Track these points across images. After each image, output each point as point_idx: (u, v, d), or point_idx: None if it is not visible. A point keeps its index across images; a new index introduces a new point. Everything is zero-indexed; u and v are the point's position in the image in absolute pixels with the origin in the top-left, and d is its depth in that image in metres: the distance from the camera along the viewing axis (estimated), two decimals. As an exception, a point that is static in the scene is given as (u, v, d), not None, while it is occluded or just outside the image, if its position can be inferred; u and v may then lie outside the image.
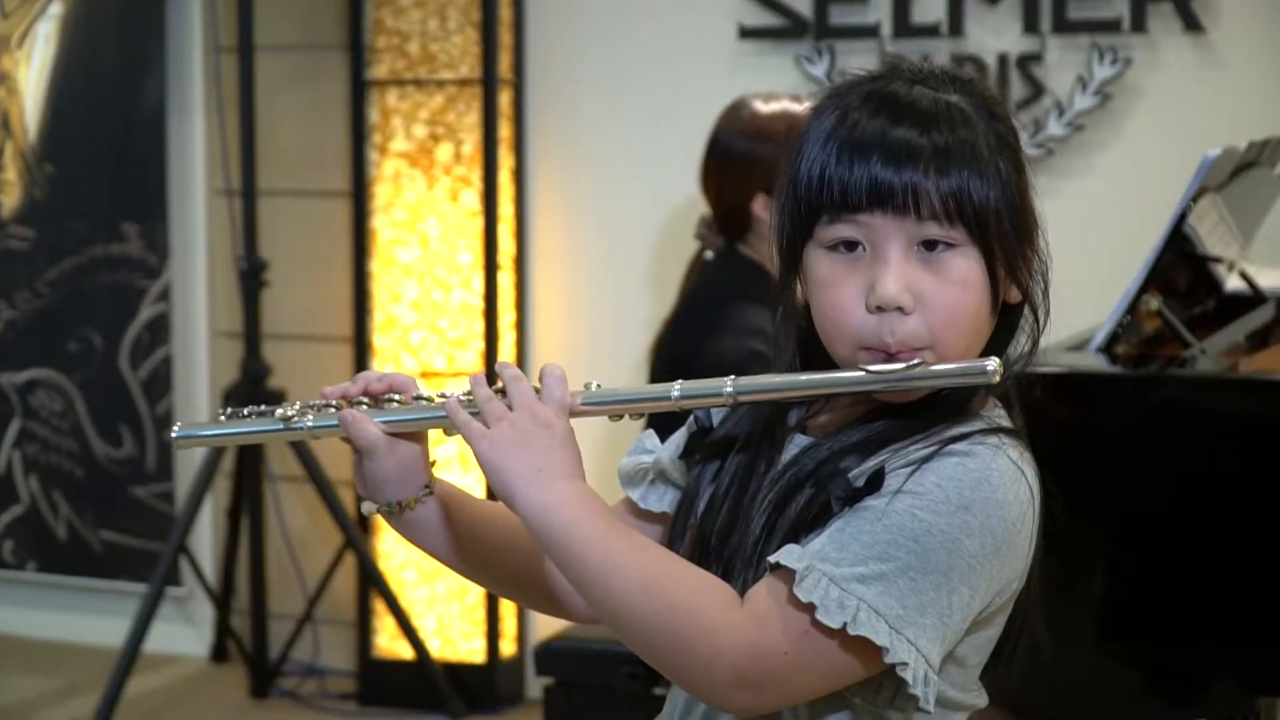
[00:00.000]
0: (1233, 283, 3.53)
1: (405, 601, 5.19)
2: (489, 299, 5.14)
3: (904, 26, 4.82)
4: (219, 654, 5.66)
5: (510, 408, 1.74)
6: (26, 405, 5.90)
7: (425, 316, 5.22)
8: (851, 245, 1.74)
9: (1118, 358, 3.09)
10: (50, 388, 5.86)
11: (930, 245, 1.72)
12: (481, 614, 5.21)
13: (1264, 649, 2.78)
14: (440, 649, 5.25)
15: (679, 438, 1.96)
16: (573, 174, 5.26)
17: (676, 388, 1.77)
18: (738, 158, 3.71)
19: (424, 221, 5.21)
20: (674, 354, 3.70)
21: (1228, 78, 4.60)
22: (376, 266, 5.24)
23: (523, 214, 5.26)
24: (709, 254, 3.85)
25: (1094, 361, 3.06)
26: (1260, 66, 4.59)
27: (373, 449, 1.84)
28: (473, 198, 5.17)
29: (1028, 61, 4.72)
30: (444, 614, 5.25)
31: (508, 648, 5.29)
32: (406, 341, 5.23)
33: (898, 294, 1.70)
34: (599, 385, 1.82)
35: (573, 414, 1.77)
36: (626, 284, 5.18)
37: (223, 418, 1.92)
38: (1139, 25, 4.61)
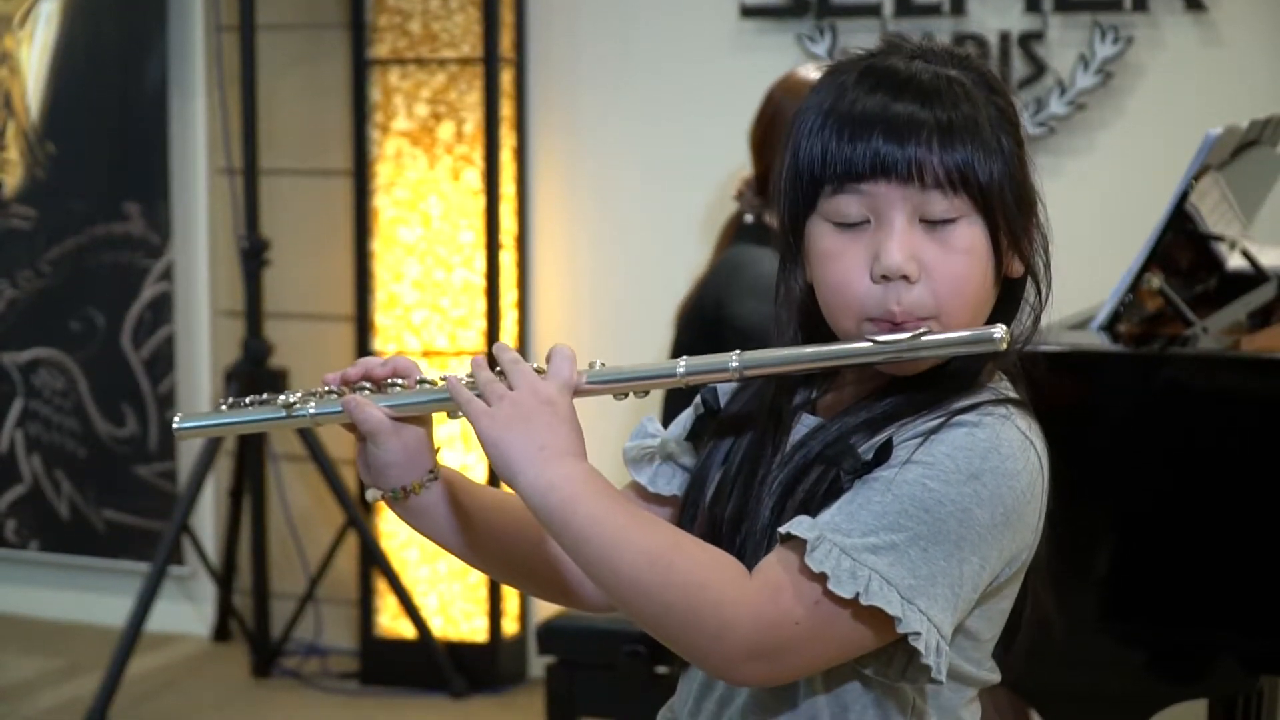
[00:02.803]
0: (1234, 261, 3.53)
1: (407, 580, 5.20)
2: (491, 278, 5.14)
3: (906, 5, 4.82)
4: (221, 633, 5.67)
5: (511, 387, 1.73)
6: (29, 384, 5.90)
7: (427, 295, 5.22)
8: (855, 218, 1.73)
9: (1119, 336, 3.09)
10: (53, 367, 5.86)
11: (934, 217, 1.72)
12: (484, 593, 5.22)
13: (1267, 628, 2.79)
14: (442, 628, 5.26)
15: (685, 419, 1.95)
16: (574, 152, 5.26)
17: (682, 364, 1.76)
18: (781, 117, 3.80)
19: (426, 200, 5.21)
20: (701, 317, 3.76)
21: (1229, 56, 4.59)
22: (378, 245, 5.24)
23: (524, 193, 5.26)
24: (748, 218, 3.88)
25: (1096, 340, 3.06)
26: (1262, 45, 4.59)
27: (377, 433, 1.82)
28: (474, 176, 5.17)
29: (1029, 40, 4.72)
30: (446, 593, 5.26)
31: (510, 627, 5.30)
32: (408, 320, 5.23)
33: (903, 262, 1.70)
34: (603, 364, 1.80)
35: (578, 393, 1.76)
36: (628, 262, 5.18)
37: (224, 406, 1.90)
38: (1140, 4, 4.61)
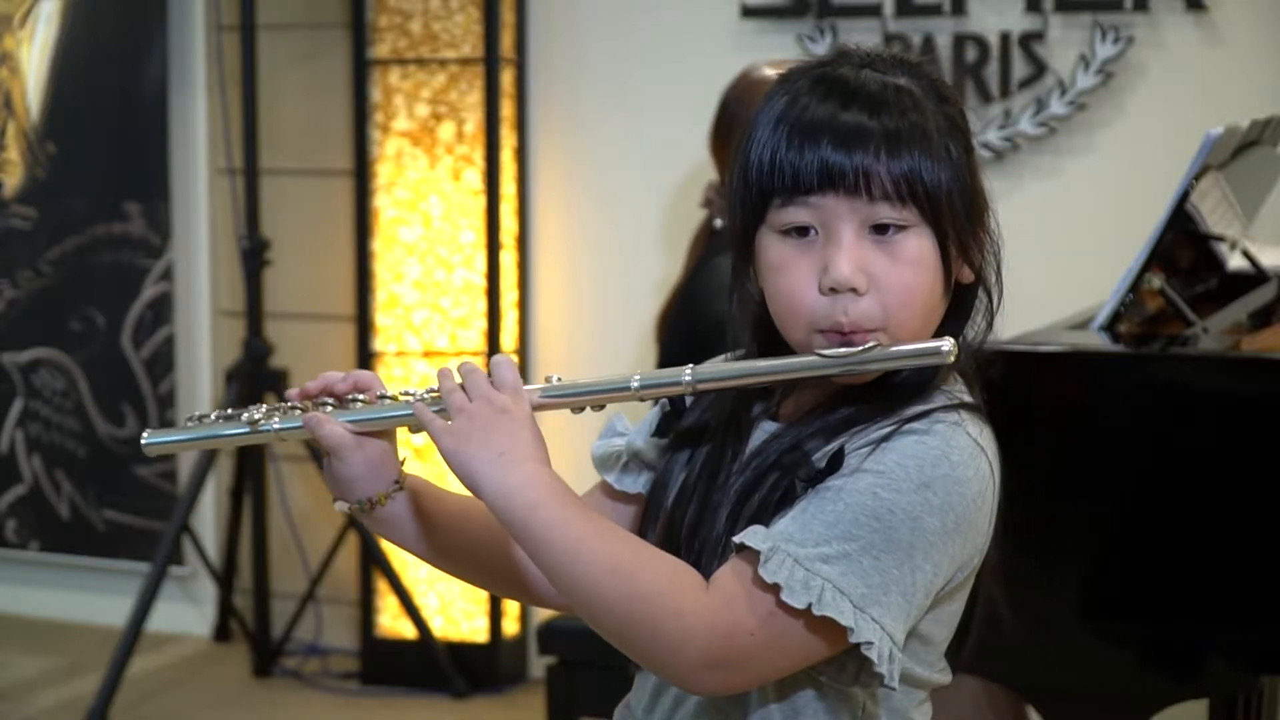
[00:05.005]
0: (1235, 261, 3.53)
1: (408, 580, 5.20)
2: (491, 278, 5.14)
3: (906, 5, 4.82)
4: (222, 633, 5.67)
5: (469, 398, 1.76)
6: (29, 384, 5.90)
7: (428, 295, 5.22)
8: (804, 230, 1.74)
9: (1120, 336, 3.09)
10: (53, 367, 5.86)
11: (882, 228, 1.73)
12: (484, 593, 5.22)
13: (1268, 627, 2.79)
14: (443, 628, 5.26)
15: (651, 416, 1.97)
16: (575, 152, 5.26)
17: (636, 378, 1.79)
18: (741, 121, 3.71)
19: (426, 200, 5.21)
20: (683, 325, 3.72)
21: (1230, 56, 4.59)
22: (379, 245, 5.25)
23: (525, 193, 5.26)
24: (717, 222, 3.85)
25: (1096, 340, 3.06)
26: (1262, 45, 4.59)
27: (339, 448, 1.85)
28: (475, 177, 5.17)
29: (1030, 40, 4.72)
30: (446, 593, 5.26)
31: (510, 627, 5.30)
32: (409, 320, 5.23)
33: (851, 275, 1.71)
34: (559, 379, 1.83)
35: (534, 408, 1.79)
36: (629, 262, 5.18)
37: (190, 423, 1.93)
38: (1141, 4, 4.61)
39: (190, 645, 5.68)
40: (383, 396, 1.86)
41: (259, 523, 5.38)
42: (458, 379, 1.79)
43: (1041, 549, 2.79)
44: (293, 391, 1.90)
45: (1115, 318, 3.11)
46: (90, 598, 5.86)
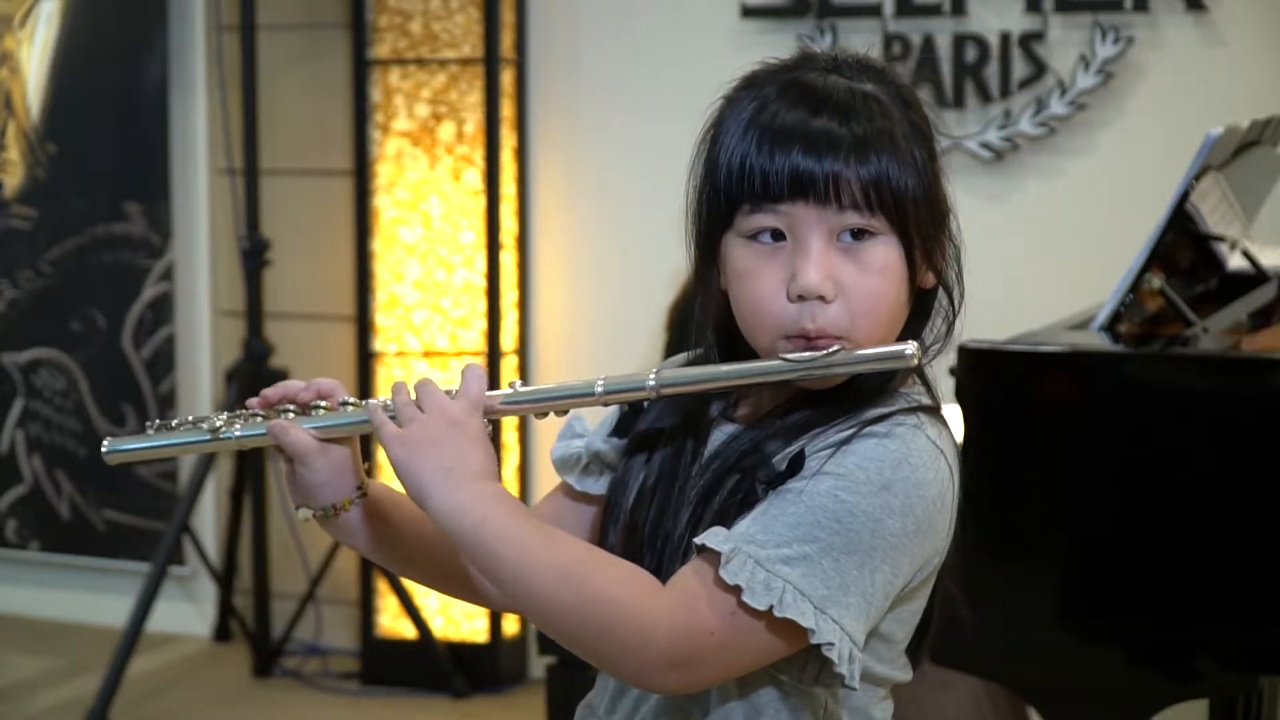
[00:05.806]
0: (1235, 261, 3.53)
1: (408, 581, 5.19)
2: (491, 278, 5.14)
3: (906, 5, 4.82)
4: (222, 633, 5.67)
5: (421, 410, 1.76)
6: (30, 385, 5.90)
7: (428, 296, 5.22)
8: (773, 235, 1.76)
9: (1120, 336, 3.09)
10: (53, 367, 5.86)
11: (851, 235, 1.74)
12: (484, 593, 5.21)
13: (1267, 627, 2.79)
14: (443, 628, 5.26)
15: (610, 415, 1.98)
16: (575, 152, 5.26)
17: (600, 383, 1.79)
18: None
19: (426, 200, 5.21)
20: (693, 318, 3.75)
21: (1230, 56, 4.60)
22: (379, 245, 5.25)
23: (525, 193, 5.26)
24: None
25: (1096, 340, 3.06)
26: (1262, 45, 4.59)
27: (303, 455, 1.85)
28: (475, 177, 5.17)
29: (1030, 40, 4.72)
30: (446, 593, 5.25)
31: (510, 627, 5.30)
32: (409, 321, 5.23)
33: (819, 283, 1.72)
34: (521, 384, 1.83)
35: (496, 414, 1.80)
36: (629, 262, 5.18)
37: (151, 430, 1.92)
38: (1141, 4, 4.61)
39: (190, 645, 5.68)
40: (345, 403, 1.87)
41: (259, 523, 5.38)
42: (413, 395, 1.79)
43: (1041, 548, 2.79)
44: (253, 400, 1.90)
45: (1115, 318, 3.11)
46: (90, 598, 5.87)
